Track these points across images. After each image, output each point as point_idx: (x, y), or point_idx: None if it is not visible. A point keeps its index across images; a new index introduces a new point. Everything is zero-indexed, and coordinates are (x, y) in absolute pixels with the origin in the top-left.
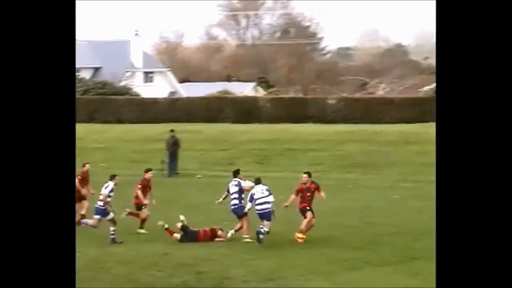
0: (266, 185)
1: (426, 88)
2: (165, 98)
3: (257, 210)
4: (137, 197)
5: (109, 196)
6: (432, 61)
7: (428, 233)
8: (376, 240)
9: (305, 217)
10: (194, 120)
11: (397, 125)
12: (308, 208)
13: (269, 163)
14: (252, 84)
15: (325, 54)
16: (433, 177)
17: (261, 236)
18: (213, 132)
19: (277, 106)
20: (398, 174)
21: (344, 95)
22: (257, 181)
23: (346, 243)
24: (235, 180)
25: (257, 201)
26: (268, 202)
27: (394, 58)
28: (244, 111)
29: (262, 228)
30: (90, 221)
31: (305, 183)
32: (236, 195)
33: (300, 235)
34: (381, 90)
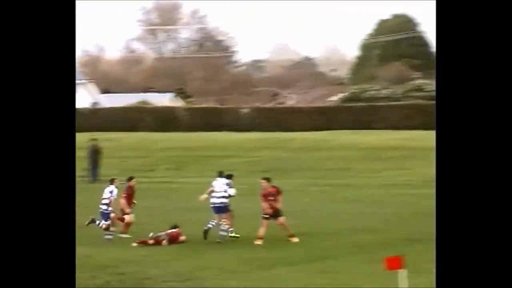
0: (228, 178)
1: (333, 98)
2: (87, 108)
3: (214, 203)
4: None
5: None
6: (339, 72)
7: (336, 234)
8: (287, 240)
9: (278, 221)
10: (115, 129)
11: (307, 132)
12: (276, 212)
13: (186, 169)
14: (170, 94)
15: (239, 66)
16: (341, 181)
17: (223, 233)
18: (133, 140)
19: (194, 116)
20: (308, 179)
21: (257, 105)
22: (220, 175)
23: (261, 244)
24: (221, 179)
25: (215, 195)
26: (225, 197)
27: (303, 70)
28: (163, 121)
29: (212, 223)
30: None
31: (265, 189)
32: (225, 194)
33: (293, 238)
34: (292, 100)
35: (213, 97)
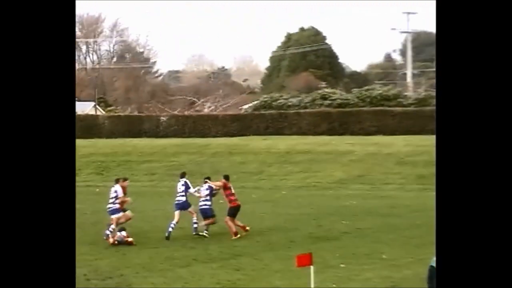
0: (186, 179)
1: (246, 106)
2: None
3: (177, 202)
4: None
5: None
6: (251, 82)
7: (250, 232)
8: (203, 239)
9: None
10: None
11: (222, 138)
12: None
13: (108, 173)
14: (92, 103)
15: (157, 76)
16: (254, 183)
17: (195, 226)
18: None
19: (115, 123)
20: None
21: (175, 112)
22: (182, 175)
23: (178, 242)
24: (207, 184)
25: (178, 194)
26: (183, 196)
27: (218, 80)
28: (85, 128)
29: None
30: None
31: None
32: (208, 197)
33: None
34: (207, 108)
35: (134, 105)
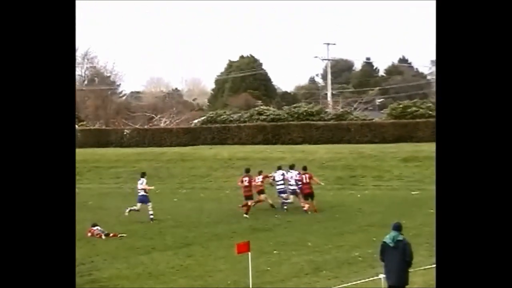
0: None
1: (195, 121)
2: None
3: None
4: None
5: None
6: (199, 101)
7: (199, 225)
8: (161, 232)
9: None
10: None
11: (176, 148)
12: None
13: (81, 177)
14: None
15: (121, 96)
16: (202, 185)
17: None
18: None
19: (86, 135)
20: (176, 183)
21: (137, 126)
22: (142, 175)
23: (139, 234)
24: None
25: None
26: (144, 190)
27: (172, 99)
28: None
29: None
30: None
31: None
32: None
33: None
34: (163, 123)
35: (102, 120)
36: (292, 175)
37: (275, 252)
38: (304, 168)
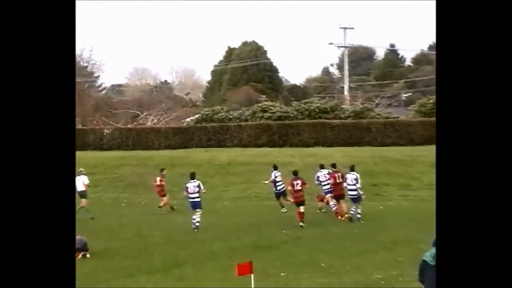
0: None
1: (188, 119)
2: None
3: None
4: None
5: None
6: (193, 95)
7: (191, 243)
8: (147, 250)
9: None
10: None
11: (165, 151)
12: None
13: None
14: None
15: (101, 90)
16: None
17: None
18: None
19: None
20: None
21: (119, 125)
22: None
23: (121, 253)
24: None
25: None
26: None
27: (161, 94)
28: None
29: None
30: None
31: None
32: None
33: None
34: (150, 121)
35: (78, 118)
36: (323, 173)
37: (282, 274)
38: (333, 165)
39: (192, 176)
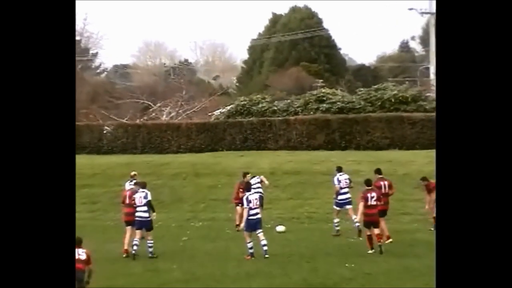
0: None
1: (217, 111)
2: None
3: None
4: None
5: None
6: (223, 80)
7: (222, 280)
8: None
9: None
10: None
11: (186, 154)
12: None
13: None
14: None
15: (99, 73)
16: (226, 214)
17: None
18: None
19: None
20: (187, 212)
21: (124, 120)
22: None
23: None
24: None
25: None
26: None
27: (180, 78)
28: None
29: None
30: None
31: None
32: None
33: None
34: (166, 115)
35: None
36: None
37: None
38: (378, 171)
39: (248, 187)
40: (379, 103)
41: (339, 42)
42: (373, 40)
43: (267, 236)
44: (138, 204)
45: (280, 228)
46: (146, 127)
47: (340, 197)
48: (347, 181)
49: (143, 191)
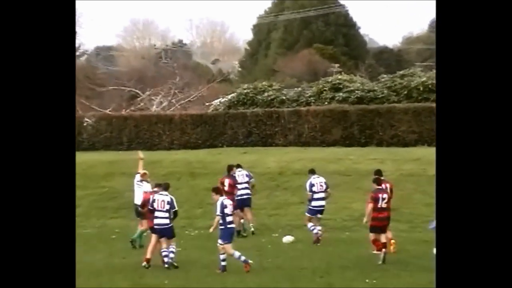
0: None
1: (216, 101)
2: None
3: None
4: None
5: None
6: (224, 64)
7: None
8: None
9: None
10: None
11: (180, 151)
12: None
13: None
14: None
15: (79, 56)
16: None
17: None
18: None
19: None
20: (181, 219)
21: (107, 111)
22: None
23: None
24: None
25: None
26: None
27: (174, 61)
28: None
29: None
30: None
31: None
32: None
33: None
34: (157, 105)
35: None
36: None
37: None
38: (378, 172)
39: (219, 191)
40: (405, 92)
41: (358, 21)
42: (398, 19)
43: (275, 246)
44: (159, 208)
45: (288, 239)
46: (134, 119)
47: (314, 203)
48: (323, 185)
49: (166, 195)
